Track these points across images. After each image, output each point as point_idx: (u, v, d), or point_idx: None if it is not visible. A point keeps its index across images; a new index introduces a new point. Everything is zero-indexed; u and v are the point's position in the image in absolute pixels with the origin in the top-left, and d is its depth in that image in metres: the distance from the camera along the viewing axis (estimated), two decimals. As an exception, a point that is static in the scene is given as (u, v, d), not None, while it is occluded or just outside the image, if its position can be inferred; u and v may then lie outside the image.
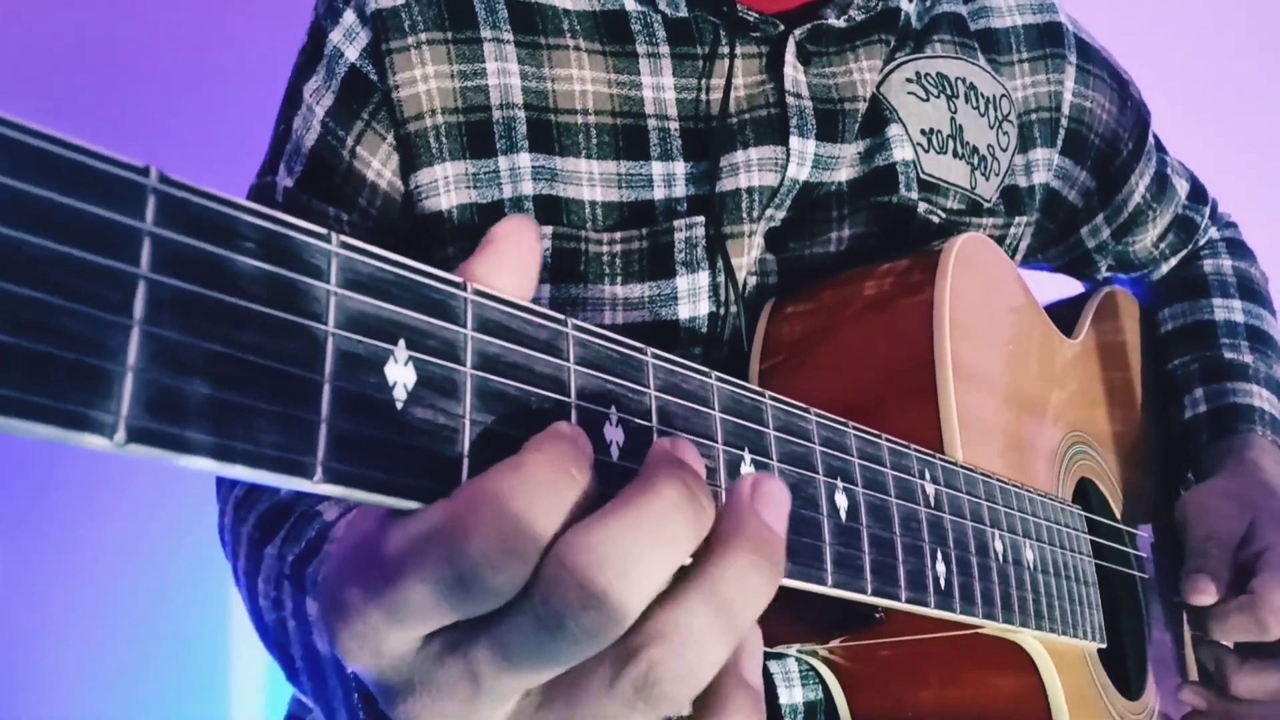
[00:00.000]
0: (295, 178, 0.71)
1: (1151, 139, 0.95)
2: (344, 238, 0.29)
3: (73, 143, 0.23)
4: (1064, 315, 0.88)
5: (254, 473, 0.25)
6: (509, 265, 0.34)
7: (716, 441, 0.41)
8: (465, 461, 0.31)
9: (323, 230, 0.28)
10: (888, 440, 0.51)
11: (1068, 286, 1.02)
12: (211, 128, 1.53)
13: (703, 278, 0.70)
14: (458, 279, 0.32)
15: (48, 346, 0.22)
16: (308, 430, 0.27)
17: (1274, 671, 0.76)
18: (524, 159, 0.68)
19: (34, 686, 1.54)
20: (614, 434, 0.36)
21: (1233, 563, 0.78)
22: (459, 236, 0.69)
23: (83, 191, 0.23)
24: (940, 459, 0.56)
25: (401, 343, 0.30)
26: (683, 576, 0.31)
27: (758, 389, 0.44)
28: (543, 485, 0.29)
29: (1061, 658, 0.66)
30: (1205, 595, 0.76)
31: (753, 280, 0.73)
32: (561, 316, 0.35)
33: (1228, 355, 0.93)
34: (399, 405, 0.29)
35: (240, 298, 0.26)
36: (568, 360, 0.35)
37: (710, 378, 0.42)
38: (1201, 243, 1.02)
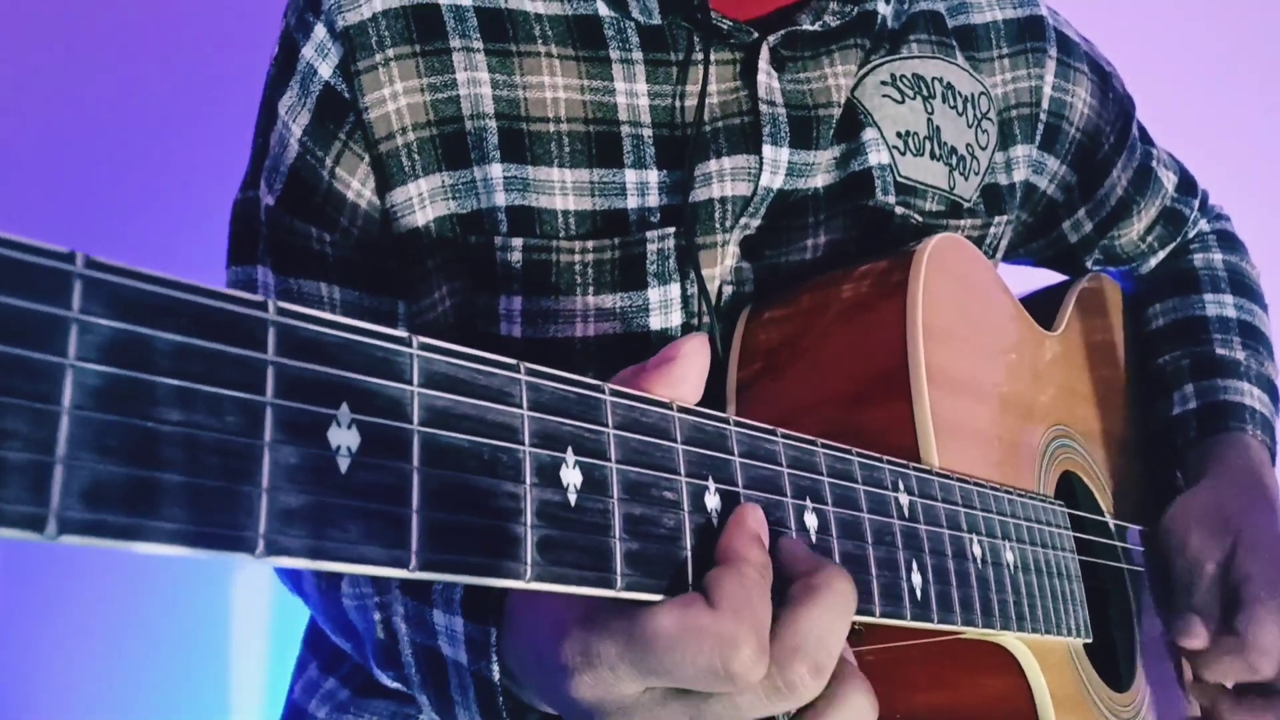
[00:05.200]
0: (276, 196, 0.70)
1: (1135, 131, 0.94)
2: (282, 304, 0.29)
3: (-7, 236, 0.23)
4: (1044, 307, 0.87)
5: (193, 552, 0.25)
6: (694, 380, 0.44)
7: (679, 474, 0.41)
8: (415, 519, 0.31)
9: (259, 299, 0.28)
10: (859, 455, 0.51)
11: (1053, 275, 1.01)
12: (196, 130, 1.53)
13: (674, 289, 0.70)
14: (403, 335, 0.32)
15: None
16: (247, 504, 0.27)
17: (1267, 713, 0.76)
18: (496, 170, 0.68)
19: (34, 686, 1.55)
20: (571, 476, 0.36)
21: (1220, 592, 0.77)
22: (437, 249, 0.69)
23: (5, 285, 0.23)
24: (914, 469, 0.56)
25: (344, 406, 0.30)
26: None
27: (722, 415, 0.44)
28: (765, 595, 0.40)
29: (1046, 656, 0.66)
30: (1196, 640, 0.75)
31: (729, 289, 0.73)
32: (514, 362, 0.35)
33: (1219, 351, 0.92)
34: (343, 469, 0.29)
35: (173, 377, 0.26)
36: (520, 407, 0.35)
37: (671, 409, 0.42)
38: (1191, 235, 1.01)
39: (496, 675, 0.50)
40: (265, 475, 0.27)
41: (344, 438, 0.29)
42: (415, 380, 0.32)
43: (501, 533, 0.33)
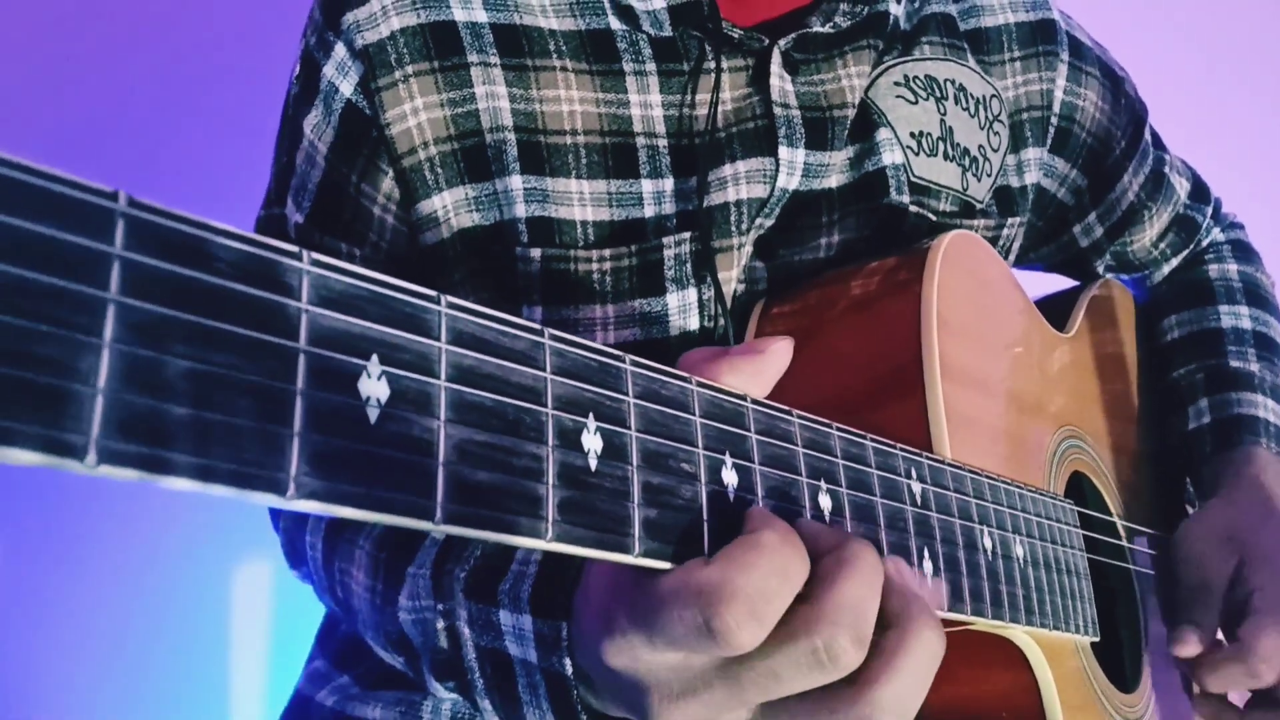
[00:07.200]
0: (305, 213, 0.72)
1: (1148, 136, 0.94)
2: (316, 255, 0.29)
3: (41, 170, 0.24)
4: (1057, 310, 0.88)
5: (226, 490, 0.26)
6: (769, 378, 0.46)
7: (697, 446, 0.41)
8: (440, 472, 0.31)
9: (294, 249, 0.29)
10: (873, 440, 0.52)
11: (1064, 282, 1.02)
12: (211, 134, 1.53)
13: (692, 294, 0.71)
14: (432, 293, 0.32)
15: (15, 370, 0.22)
16: (279, 447, 0.27)
17: None
18: (516, 181, 0.69)
19: (34, 686, 1.55)
20: (592, 442, 0.37)
21: (1223, 608, 0.77)
22: (463, 261, 0.70)
23: (52, 218, 0.24)
24: (927, 457, 0.56)
25: (374, 358, 0.30)
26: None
27: (739, 393, 0.44)
28: (776, 563, 0.39)
29: (1054, 652, 0.66)
30: (1187, 647, 0.75)
31: (742, 288, 0.73)
32: (539, 327, 0.36)
33: (1233, 364, 0.92)
34: (373, 420, 0.29)
35: (211, 318, 0.26)
36: (545, 370, 0.35)
37: (690, 383, 0.42)
38: (1205, 243, 1.01)
39: (569, 669, 0.49)
40: (297, 420, 0.28)
41: (374, 389, 0.30)
42: (443, 337, 0.32)
43: (524, 491, 0.33)
